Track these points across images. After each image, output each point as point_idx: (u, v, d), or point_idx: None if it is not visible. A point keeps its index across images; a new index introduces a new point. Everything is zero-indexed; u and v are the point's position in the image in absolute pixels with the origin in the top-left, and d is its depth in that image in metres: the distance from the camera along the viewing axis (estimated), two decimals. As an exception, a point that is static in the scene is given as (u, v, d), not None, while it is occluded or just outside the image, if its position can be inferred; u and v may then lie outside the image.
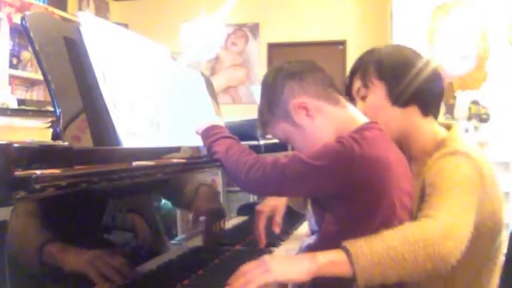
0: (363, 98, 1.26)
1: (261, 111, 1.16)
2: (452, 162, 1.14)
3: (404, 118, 1.23)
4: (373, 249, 0.94)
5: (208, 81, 1.63)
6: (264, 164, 1.03)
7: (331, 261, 0.95)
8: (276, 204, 1.43)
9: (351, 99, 1.30)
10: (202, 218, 1.29)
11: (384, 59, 1.25)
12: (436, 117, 1.28)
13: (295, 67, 1.13)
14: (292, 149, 1.26)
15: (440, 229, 0.99)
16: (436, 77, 1.27)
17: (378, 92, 1.24)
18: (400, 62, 1.24)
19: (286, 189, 1.08)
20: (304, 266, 0.95)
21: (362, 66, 1.27)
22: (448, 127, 1.28)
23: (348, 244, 0.95)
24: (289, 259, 1.06)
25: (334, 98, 1.12)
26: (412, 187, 1.10)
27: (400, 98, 1.22)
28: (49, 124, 1.02)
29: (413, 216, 1.08)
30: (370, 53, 1.29)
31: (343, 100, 1.14)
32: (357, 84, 1.27)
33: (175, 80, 1.35)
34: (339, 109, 1.11)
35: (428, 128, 1.25)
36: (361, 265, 0.92)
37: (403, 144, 1.21)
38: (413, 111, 1.24)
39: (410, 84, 1.21)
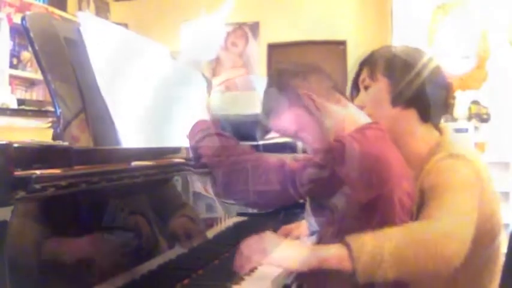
0: (366, 88, 1.28)
1: (267, 94, 1.16)
2: (450, 165, 1.14)
3: (401, 119, 1.23)
4: (375, 247, 0.93)
5: (208, 82, 1.63)
6: (265, 172, 1.02)
7: (332, 255, 0.94)
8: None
9: (357, 88, 1.31)
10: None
11: (394, 57, 1.26)
12: (436, 125, 1.27)
13: (299, 67, 1.16)
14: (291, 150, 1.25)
15: (443, 230, 0.99)
16: (442, 86, 1.27)
17: (380, 87, 1.24)
18: (408, 64, 1.24)
19: (291, 194, 1.05)
20: (305, 257, 0.94)
21: (373, 58, 1.28)
22: (440, 130, 1.28)
23: (351, 240, 0.94)
24: (291, 246, 1.03)
25: (335, 97, 1.13)
26: (411, 187, 1.10)
27: (399, 98, 1.22)
28: (49, 124, 1.02)
29: (412, 218, 1.08)
30: (384, 48, 1.32)
31: (344, 100, 1.15)
32: (364, 74, 1.29)
33: (175, 80, 1.35)
34: (341, 108, 1.13)
35: (423, 133, 1.25)
36: (362, 262, 0.92)
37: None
38: (411, 115, 1.24)
39: (413, 87, 1.21)
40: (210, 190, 1.29)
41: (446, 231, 0.99)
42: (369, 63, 1.28)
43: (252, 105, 1.65)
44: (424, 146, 1.23)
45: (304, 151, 1.43)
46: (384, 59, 1.26)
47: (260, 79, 1.19)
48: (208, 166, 1.05)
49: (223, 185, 1.04)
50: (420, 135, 1.24)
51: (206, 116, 1.37)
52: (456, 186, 1.09)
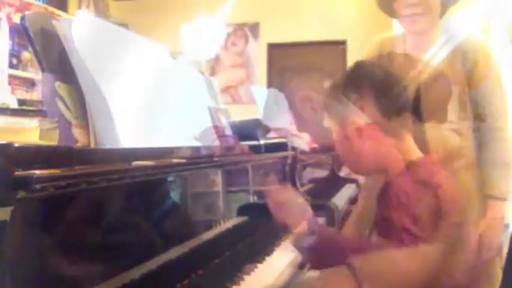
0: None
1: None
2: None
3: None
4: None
5: (208, 81, 1.63)
6: None
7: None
8: None
9: None
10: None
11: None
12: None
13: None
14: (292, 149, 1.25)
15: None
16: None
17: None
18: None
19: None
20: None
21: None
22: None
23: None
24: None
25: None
26: None
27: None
28: (48, 124, 1.02)
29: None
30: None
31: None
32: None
33: (175, 80, 1.35)
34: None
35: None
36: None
37: None
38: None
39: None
40: (217, 182, 1.36)
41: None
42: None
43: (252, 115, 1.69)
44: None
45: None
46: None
47: (262, 90, 1.16)
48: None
49: None
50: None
51: (207, 116, 1.38)
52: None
